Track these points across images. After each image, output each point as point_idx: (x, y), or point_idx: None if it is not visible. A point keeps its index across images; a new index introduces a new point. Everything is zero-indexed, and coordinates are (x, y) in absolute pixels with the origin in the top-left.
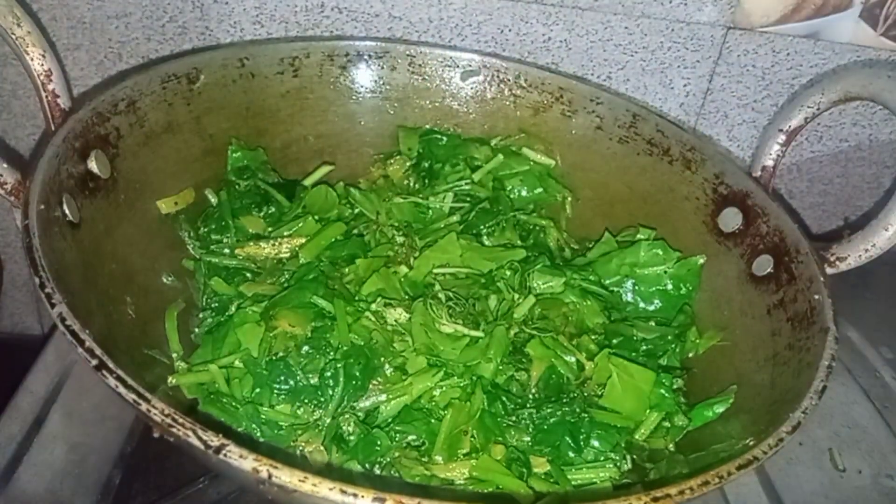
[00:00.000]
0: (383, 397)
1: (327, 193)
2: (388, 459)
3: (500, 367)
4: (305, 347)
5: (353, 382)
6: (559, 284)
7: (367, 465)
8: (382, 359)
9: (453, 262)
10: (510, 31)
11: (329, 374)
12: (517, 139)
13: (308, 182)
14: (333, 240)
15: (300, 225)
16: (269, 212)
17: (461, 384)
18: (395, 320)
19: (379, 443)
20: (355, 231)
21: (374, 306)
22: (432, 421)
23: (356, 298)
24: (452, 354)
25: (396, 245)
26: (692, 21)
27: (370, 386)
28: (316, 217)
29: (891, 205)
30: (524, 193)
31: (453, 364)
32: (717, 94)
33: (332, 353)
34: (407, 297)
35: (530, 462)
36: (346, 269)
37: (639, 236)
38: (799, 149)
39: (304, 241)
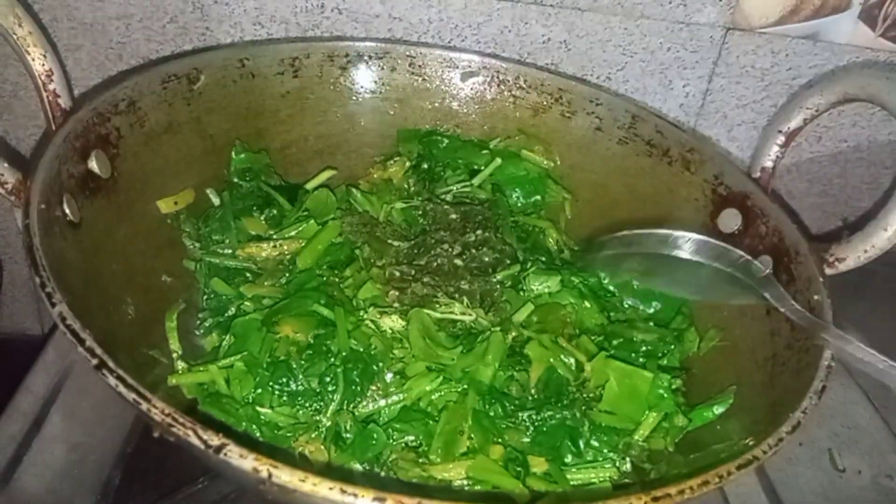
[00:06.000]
0: (382, 402)
1: (328, 197)
2: (386, 459)
3: (499, 371)
4: (307, 352)
5: (353, 387)
6: (555, 284)
7: (366, 464)
8: (382, 364)
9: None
10: (510, 32)
11: (329, 378)
12: (517, 140)
13: (310, 186)
14: (330, 243)
15: (302, 227)
16: (271, 214)
17: (459, 388)
18: (391, 328)
19: (375, 437)
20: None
21: (368, 315)
22: (430, 423)
23: (355, 306)
24: (450, 360)
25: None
26: (691, 22)
27: (369, 391)
28: (318, 221)
29: (890, 205)
30: (522, 200)
31: (452, 369)
32: (716, 95)
33: (332, 359)
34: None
35: (528, 462)
36: (347, 272)
37: None
38: (798, 150)
39: (303, 244)
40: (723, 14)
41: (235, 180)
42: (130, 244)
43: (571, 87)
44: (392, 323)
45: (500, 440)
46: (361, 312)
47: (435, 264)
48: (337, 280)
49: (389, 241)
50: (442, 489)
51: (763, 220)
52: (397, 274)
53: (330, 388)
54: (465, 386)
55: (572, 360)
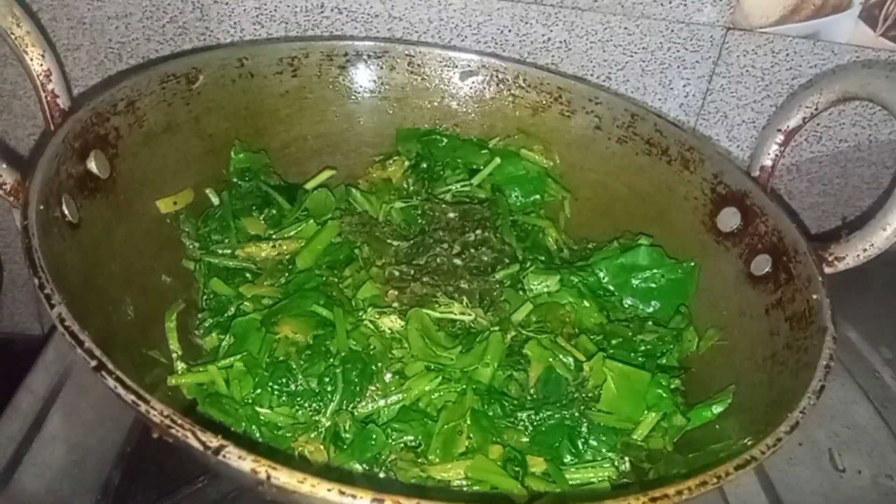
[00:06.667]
0: (382, 402)
1: (327, 197)
2: (385, 459)
3: (498, 371)
4: (307, 352)
5: (352, 387)
6: (555, 283)
7: (365, 464)
8: (380, 364)
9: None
10: (510, 31)
11: (328, 378)
12: (516, 139)
13: (309, 185)
14: (329, 242)
15: (301, 227)
16: (270, 214)
17: (458, 389)
18: (389, 328)
19: (374, 437)
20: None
21: (367, 315)
22: (429, 423)
23: (354, 306)
24: (449, 360)
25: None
26: (692, 22)
27: (368, 391)
28: (317, 221)
29: (889, 205)
30: (521, 200)
31: (451, 369)
32: (716, 95)
33: (331, 359)
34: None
35: (527, 462)
36: (346, 272)
37: (639, 242)
38: (798, 149)
39: (302, 244)
40: (723, 14)
41: (235, 180)
42: (130, 244)
43: (570, 87)
44: (391, 323)
45: (498, 440)
46: (360, 313)
47: (434, 264)
48: (336, 280)
49: (389, 240)
50: (440, 490)
51: (762, 218)
52: (397, 273)
53: (329, 389)
54: (464, 386)
55: (571, 360)
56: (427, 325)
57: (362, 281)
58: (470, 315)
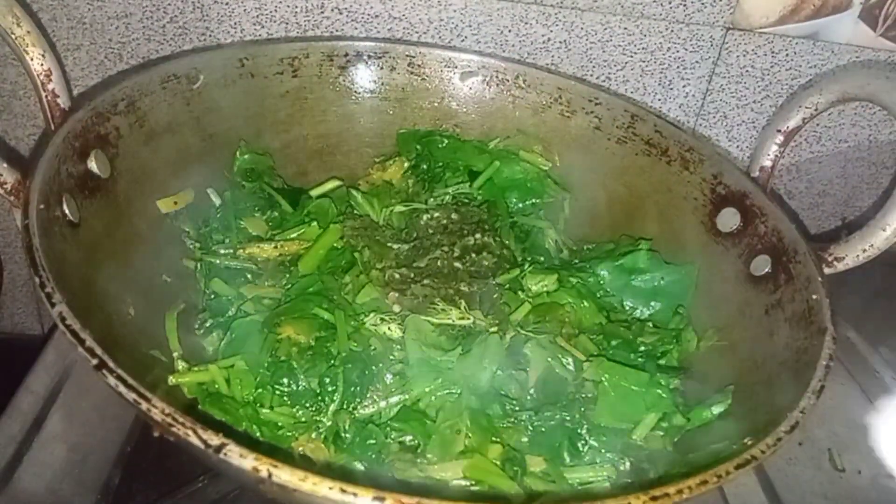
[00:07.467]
0: (383, 404)
1: (329, 206)
2: (384, 459)
3: (497, 372)
4: (308, 353)
5: (353, 388)
6: (552, 282)
7: (365, 463)
8: (381, 365)
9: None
10: (510, 32)
11: (329, 379)
12: (516, 140)
13: (314, 193)
14: (331, 247)
15: (303, 230)
16: (272, 216)
17: (458, 391)
18: (388, 337)
19: (374, 437)
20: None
21: (368, 321)
22: (428, 422)
23: (355, 310)
24: (447, 366)
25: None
26: (691, 22)
27: (369, 392)
28: (320, 224)
29: (889, 205)
30: (521, 202)
31: (450, 374)
32: (716, 95)
33: (332, 360)
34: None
35: (526, 461)
36: (346, 277)
37: (639, 244)
38: (798, 149)
39: (305, 246)
40: (723, 14)
41: (238, 180)
42: (130, 244)
43: (570, 87)
44: (390, 332)
45: (498, 440)
46: (361, 316)
47: (434, 267)
48: (337, 285)
49: (389, 243)
50: (441, 489)
51: (762, 219)
52: (397, 276)
53: (330, 389)
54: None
55: (571, 360)
56: (425, 331)
57: (363, 285)
58: (468, 320)
